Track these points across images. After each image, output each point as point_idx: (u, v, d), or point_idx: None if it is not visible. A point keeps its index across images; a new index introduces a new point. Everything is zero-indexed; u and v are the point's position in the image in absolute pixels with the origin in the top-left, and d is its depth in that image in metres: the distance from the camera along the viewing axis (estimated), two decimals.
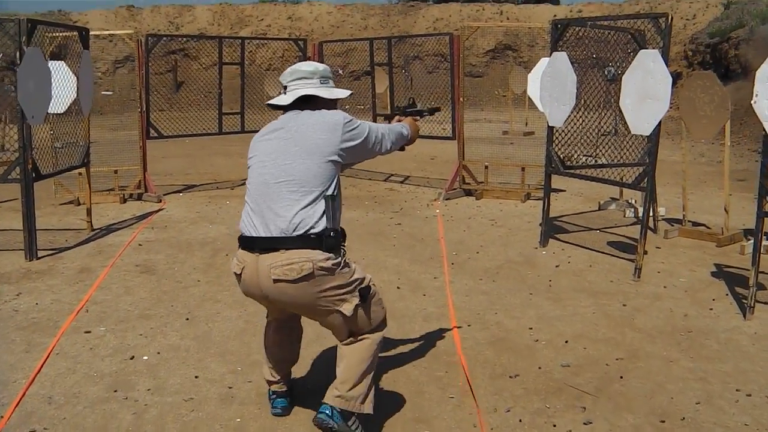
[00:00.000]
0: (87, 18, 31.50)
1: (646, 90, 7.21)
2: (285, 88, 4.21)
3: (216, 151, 17.26)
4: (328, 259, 3.85)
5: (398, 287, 7.11)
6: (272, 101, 4.26)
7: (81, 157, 9.39)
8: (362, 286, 4.08)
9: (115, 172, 11.75)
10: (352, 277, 4.03)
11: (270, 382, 4.48)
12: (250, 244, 3.93)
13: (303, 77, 4.18)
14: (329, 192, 3.94)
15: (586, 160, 14.89)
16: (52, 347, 5.63)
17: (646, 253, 7.67)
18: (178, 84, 30.09)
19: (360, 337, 4.11)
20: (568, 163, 8.61)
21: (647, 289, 7.09)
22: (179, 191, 12.50)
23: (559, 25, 8.38)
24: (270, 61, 30.18)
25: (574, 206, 10.90)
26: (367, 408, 4.03)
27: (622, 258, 8.10)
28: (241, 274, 3.98)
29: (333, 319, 4.00)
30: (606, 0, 33.34)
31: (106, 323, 6.17)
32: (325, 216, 3.89)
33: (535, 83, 10.64)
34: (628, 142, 8.94)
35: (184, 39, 28.38)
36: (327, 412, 3.93)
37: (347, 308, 3.96)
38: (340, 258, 3.94)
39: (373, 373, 4.09)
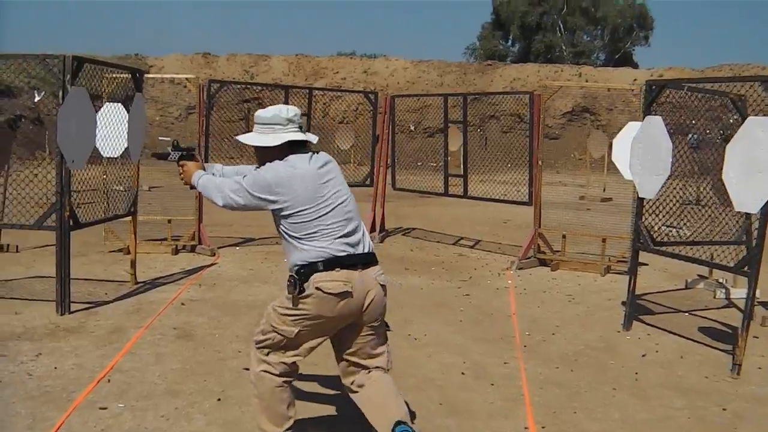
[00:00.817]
0: (163, 63, 31.45)
1: (755, 162, 6.26)
2: (300, 127, 4.47)
3: None
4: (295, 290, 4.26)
5: (462, 372, 6.22)
6: (301, 137, 4.44)
7: (128, 205, 8.68)
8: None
9: (169, 221, 11.06)
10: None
11: None
12: (353, 261, 4.28)
13: (298, 123, 4.49)
14: (287, 235, 4.41)
15: (669, 231, 13.99)
16: (58, 426, 4.85)
17: None
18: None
19: (383, 372, 4.52)
20: (656, 237, 7.66)
21: (748, 390, 6.11)
22: (236, 245, 11.80)
23: (653, 87, 7.50)
24: (344, 114, 29.71)
25: (658, 283, 9.90)
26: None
27: (717, 348, 7.13)
28: (346, 292, 4.21)
29: (381, 330, 4.53)
30: (688, 66, 32.30)
31: (126, 398, 5.38)
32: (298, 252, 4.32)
33: (620, 148, 9.79)
34: (719, 216, 8.01)
35: (258, 88, 27.98)
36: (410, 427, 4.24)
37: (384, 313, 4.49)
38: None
39: None
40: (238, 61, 33.27)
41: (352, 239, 4.32)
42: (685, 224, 8.26)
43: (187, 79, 11.20)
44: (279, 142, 4.36)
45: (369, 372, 4.47)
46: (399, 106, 13.32)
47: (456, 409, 5.38)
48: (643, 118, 7.51)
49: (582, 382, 6.10)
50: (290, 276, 4.27)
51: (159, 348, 6.56)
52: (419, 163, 21.43)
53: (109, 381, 5.71)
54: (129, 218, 8.78)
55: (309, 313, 4.24)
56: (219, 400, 5.43)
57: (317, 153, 4.47)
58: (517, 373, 6.26)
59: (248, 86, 21.22)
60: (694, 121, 7.96)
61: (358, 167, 15.59)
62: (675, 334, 7.56)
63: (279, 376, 4.41)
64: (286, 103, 11.80)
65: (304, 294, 4.21)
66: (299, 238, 4.28)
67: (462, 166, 12.09)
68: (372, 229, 12.73)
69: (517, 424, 5.21)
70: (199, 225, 11.01)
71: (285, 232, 4.40)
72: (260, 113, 4.49)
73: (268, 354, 4.45)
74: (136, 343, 6.65)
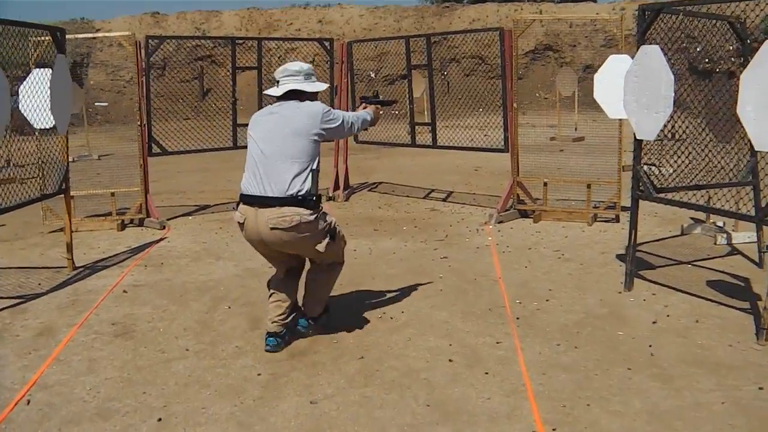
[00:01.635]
0: (110, 25, 29.96)
1: None
2: (278, 82, 5.36)
3: (237, 165, 15.14)
4: (311, 214, 5.06)
5: (450, 359, 5.22)
6: (267, 91, 5.52)
7: (57, 182, 7.56)
8: (330, 228, 5.35)
9: (112, 194, 9.92)
10: (323, 224, 5.24)
11: (269, 333, 5.48)
12: (251, 200, 5.12)
13: (291, 75, 5.34)
14: (314, 166, 5.17)
15: (649, 170, 13.06)
16: None
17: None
18: (205, 92, 28.44)
19: (320, 273, 5.64)
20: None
21: None
22: (189, 214, 10.68)
23: (647, 12, 6.45)
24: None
25: (651, 230, 8.94)
26: (323, 318, 5.79)
27: (733, 307, 6.18)
28: (243, 223, 5.20)
29: (312, 253, 5.36)
30: None
31: (47, 426, 4.34)
32: (308, 183, 5.08)
33: (603, 85, 8.81)
34: (712, 154, 7.07)
35: (210, 45, 26.70)
36: (305, 324, 5.68)
37: (321, 246, 5.25)
38: (318, 214, 5.13)
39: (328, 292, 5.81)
40: (189, 19, 31.77)
41: (255, 181, 5.14)
42: (665, 162, 7.30)
43: (120, 36, 9.97)
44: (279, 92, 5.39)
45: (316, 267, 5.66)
46: (357, 54, 12.20)
47: (448, 412, 4.40)
48: (638, 47, 6.47)
49: (590, 362, 5.13)
50: None
51: (93, 351, 5.51)
52: (381, 112, 20.26)
53: (28, 402, 4.67)
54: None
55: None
56: (160, 420, 4.40)
57: (301, 102, 5.34)
58: (514, 355, 5.27)
59: (198, 43, 20.18)
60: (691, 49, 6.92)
61: None
62: (683, 291, 6.60)
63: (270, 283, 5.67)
64: (233, 56, 10.70)
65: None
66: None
67: (429, 114, 11.03)
68: (336, 187, 11.67)
69: (523, 427, 4.23)
70: (146, 196, 9.89)
71: None
72: (302, 66, 5.41)
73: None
74: (67, 347, 5.60)
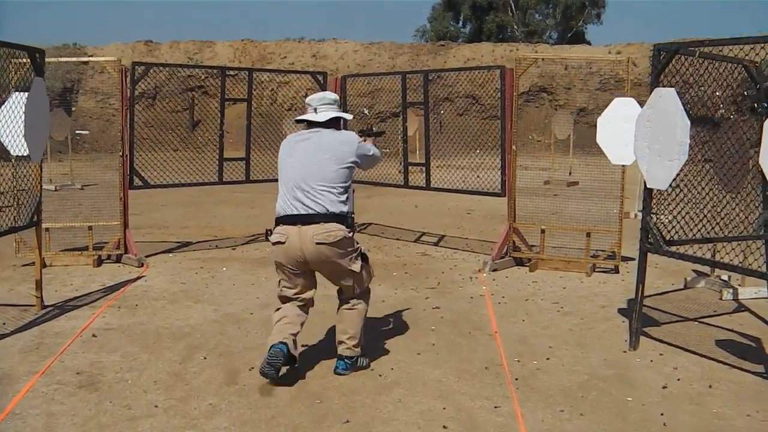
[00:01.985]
0: (103, 52, 29.53)
1: None
2: (315, 109, 5.58)
3: (223, 199, 14.97)
4: (349, 231, 5.41)
5: (444, 426, 4.73)
6: (306, 117, 5.63)
7: (29, 214, 7.07)
8: (362, 252, 5.64)
9: (90, 228, 9.43)
10: (357, 245, 5.58)
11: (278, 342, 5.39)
12: (293, 219, 5.33)
13: (329, 103, 5.61)
14: (350, 188, 5.54)
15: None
16: None
17: None
18: (195, 123, 28.04)
19: (357, 302, 5.73)
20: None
21: None
22: (170, 251, 10.19)
23: (662, 53, 6.05)
24: (292, 100, 28.12)
25: (652, 282, 8.45)
26: (364, 362, 5.75)
27: (747, 371, 5.73)
28: (285, 242, 5.31)
29: (346, 275, 5.53)
30: (647, 41, 31.01)
31: None
32: (348, 203, 5.46)
33: (606, 129, 8.39)
34: (716, 203, 6.66)
35: (203, 76, 26.30)
36: (343, 366, 5.62)
37: (356, 266, 5.52)
38: (353, 232, 5.49)
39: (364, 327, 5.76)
40: (182, 48, 31.44)
41: (294, 201, 5.36)
42: (662, 210, 6.87)
43: (106, 62, 9.53)
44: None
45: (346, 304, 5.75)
46: (350, 90, 11.79)
47: None
48: (651, 90, 6.05)
49: None
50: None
51: (53, 405, 4.99)
52: (384, 149, 19.87)
53: None
54: (45, 227, 7.19)
55: (272, 256, 5.52)
56: None
57: (325, 130, 5.58)
58: (514, 422, 4.79)
59: (190, 73, 19.77)
60: (707, 93, 6.51)
61: None
62: (692, 352, 6.15)
63: (281, 301, 5.68)
64: (223, 86, 10.29)
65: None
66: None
67: (424, 154, 10.60)
68: None
69: None
70: (125, 231, 9.40)
71: None
72: (336, 96, 5.72)
73: (279, 283, 5.64)
74: (25, 398, 5.09)
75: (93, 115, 28.72)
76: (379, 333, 6.61)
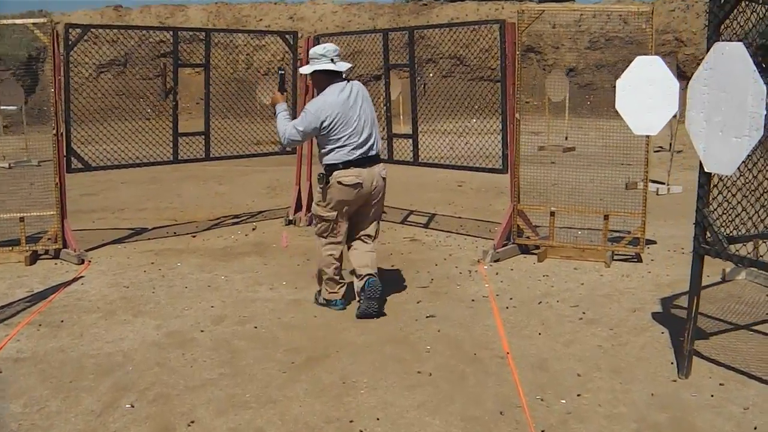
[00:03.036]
0: (70, 18, 27.74)
1: None
2: (332, 59, 5.97)
3: (190, 174, 13.36)
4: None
5: None
6: (334, 66, 5.98)
7: None
8: None
9: (21, 219, 7.90)
10: None
11: (332, 298, 6.30)
12: (365, 161, 6.01)
13: (339, 54, 6.07)
14: None
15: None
16: None
17: None
18: (168, 90, 26.37)
19: (372, 245, 6.32)
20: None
21: None
22: (120, 240, 8.69)
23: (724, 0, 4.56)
24: (268, 65, 26.43)
25: (682, 274, 6.99)
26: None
27: None
28: (361, 182, 5.95)
29: (381, 206, 6.37)
30: None
31: None
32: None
33: (627, 92, 6.99)
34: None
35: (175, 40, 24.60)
36: (375, 279, 6.09)
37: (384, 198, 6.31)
38: None
39: None
40: (153, 13, 29.61)
41: (365, 147, 6.00)
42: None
43: (33, 23, 7.96)
44: (309, 71, 6.09)
45: (359, 238, 6.28)
46: None
47: None
48: (708, 46, 4.57)
49: None
50: (319, 173, 6.07)
51: None
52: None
53: None
54: None
55: (334, 198, 5.97)
56: None
57: (350, 82, 6.07)
58: None
59: (162, 38, 18.21)
60: None
61: None
62: (759, 379, 4.72)
63: (334, 254, 6.18)
64: (176, 48, 9.01)
65: (328, 185, 5.96)
66: (329, 149, 5.97)
67: (411, 123, 9.09)
68: (297, 208, 9.64)
69: None
70: (63, 222, 7.88)
71: (319, 143, 6.08)
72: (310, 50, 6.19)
73: (327, 238, 6.14)
74: None
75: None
76: (361, 356, 5.18)
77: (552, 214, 7.77)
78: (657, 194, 11.16)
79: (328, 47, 5.98)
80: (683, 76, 24.05)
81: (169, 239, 8.77)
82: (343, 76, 6.09)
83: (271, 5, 30.52)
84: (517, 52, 7.71)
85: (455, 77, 26.57)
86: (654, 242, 8.18)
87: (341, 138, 5.91)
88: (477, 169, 8.37)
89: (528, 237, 7.86)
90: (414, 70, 9.07)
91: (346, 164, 5.91)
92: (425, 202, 10.92)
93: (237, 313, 6.15)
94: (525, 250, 7.91)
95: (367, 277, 6.04)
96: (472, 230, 9.04)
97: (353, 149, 5.93)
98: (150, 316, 6.07)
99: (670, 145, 14.96)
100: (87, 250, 7.98)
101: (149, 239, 8.81)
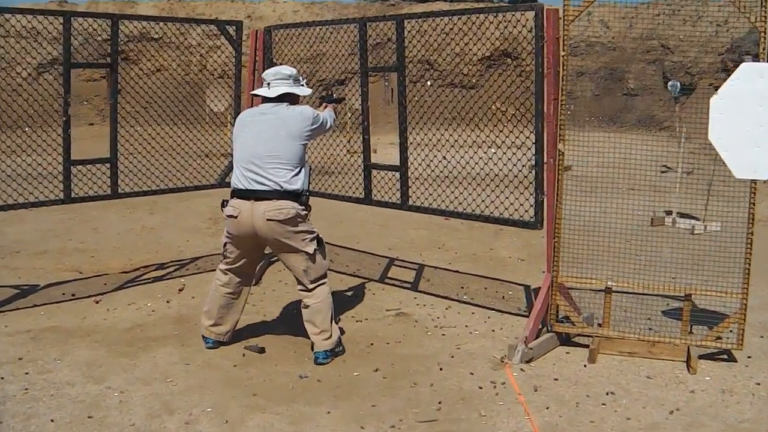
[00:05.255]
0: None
1: None
2: (268, 84, 5.26)
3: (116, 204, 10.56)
4: (303, 209, 5.04)
5: None
6: (258, 92, 5.40)
7: None
8: (317, 235, 5.17)
9: None
10: (312, 228, 5.14)
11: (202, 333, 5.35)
12: (247, 194, 4.99)
13: (283, 78, 5.26)
14: (305, 164, 5.17)
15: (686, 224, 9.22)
16: None
17: None
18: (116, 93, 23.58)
19: (315, 289, 5.13)
20: None
21: None
22: (6, 303, 6.03)
23: None
24: (224, 67, 23.75)
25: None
26: (340, 348, 5.23)
27: None
28: (237, 216, 4.98)
29: (299, 258, 5.06)
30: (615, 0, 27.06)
31: None
32: (302, 180, 5.08)
33: (724, 116, 4.62)
34: None
35: (122, 39, 21.84)
36: (323, 355, 5.08)
37: (310, 249, 5.05)
38: (308, 212, 5.10)
39: (333, 313, 5.21)
40: (101, 9, 26.75)
41: (251, 176, 5.01)
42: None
43: None
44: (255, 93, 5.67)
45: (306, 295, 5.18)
46: (288, 55, 7.62)
47: None
48: None
49: None
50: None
51: None
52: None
53: None
54: None
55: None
56: None
57: (281, 105, 5.22)
58: None
59: (109, 36, 15.57)
60: None
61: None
62: None
63: (220, 281, 5.31)
64: (67, 40, 6.31)
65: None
66: None
67: (399, 149, 6.48)
68: None
69: None
70: None
71: None
72: (292, 71, 5.33)
73: (222, 259, 5.31)
74: None
75: None
76: None
77: (608, 290, 5.19)
78: (693, 233, 8.82)
79: (269, 71, 5.37)
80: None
81: (62, 307, 6.11)
82: (300, 99, 5.47)
83: (227, 2, 27.89)
84: (563, 53, 5.10)
85: (425, 83, 24.13)
86: (726, 316, 5.64)
87: (235, 158, 5.22)
88: (500, 222, 5.75)
89: (573, 323, 5.26)
90: (404, 74, 6.55)
91: (232, 192, 5.16)
92: (408, 244, 8.33)
93: None
94: (565, 339, 5.34)
95: (315, 354, 5.15)
96: (478, 295, 6.48)
97: (239, 176, 5.09)
98: None
99: (679, 165, 12.59)
100: None
101: (34, 306, 6.14)
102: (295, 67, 7.77)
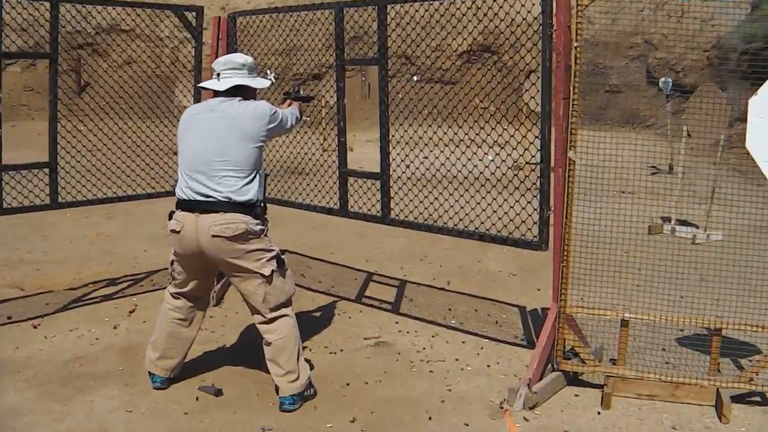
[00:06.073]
0: None
1: None
2: (218, 75, 4.40)
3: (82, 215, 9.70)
4: (257, 224, 4.22)
5: None
6: (206, 84, 4.51)
7: None
8: (278, 255, 4.33)
9: None
10: (270, 246, 4.31)
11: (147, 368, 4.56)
12: (191, 205, 4.21)
13: (235, 68, 4.40)
14: (261, 170, 4.35)
15: (681, 231, 8.73)
16: None
17: None
18: (83, 86, 22.68)
19: (276, 320, 4.30)
20: None
21: None
22: None
23: None
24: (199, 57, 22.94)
25: None
26: (310, 390, 4.39)
27: None
28: (180, 231, 4.20)
29: (254, 282, 4.23)
30: None
31: None
32: (256, 189, 4.27)
33: (763, 120, 3.92)
34: None
35: (92, 31, 20.95)
36: (290, 401, 4.26)
37: (267, 270, 4.22)
38: (264, 226, 4.30)
39: (300, 349, 4.38)
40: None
41: (195, 185, 4.23)
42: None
43: None
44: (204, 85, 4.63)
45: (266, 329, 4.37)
46: (261, 48, 6.83)
47: None
48: None
49: None
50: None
51: None
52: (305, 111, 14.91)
53: None
54: None
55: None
56: None
57: (232, 100, 4.38)
58: None
59: (79, 28, 14.68)
60: None
61: None
62: None
63: (169, 304, 4.55)
64: None
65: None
66: None
67: (379, 155, 5.68)
68: None
69: None
70: None
71: None
72: (247, 60, 4.49)
73: (169, 285, 4.59)
74: None
75: None
76: None
77: (624, 323, 4.43)
78: (694, 242, 8.16)
79: (219, 60, 4.51)
80: (654, 82, 21.31)
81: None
82: (256, 93, 4.64)
83: None
84: (575, 43, 4.34)
85: (403, 78, 23.37)
86: (754, 347, 4.91)
87: (180, 163, 4.41)
88: (497, 241, 4.97)
89: (583, 360, 4.49)
90: (386, 67, 5.79)
91: (177, 203, 4.37)
92: (387, 255, 7.56)
93: None
94: (573, 379, 4.58)
95: (280, 399, 4.33)
96: (468, 319, 5.71)
97: (183, 185, 4.32)
98: None
99: (670, 166, 11.92)
100: None
101: None
102: (267, 61, 6.91)
